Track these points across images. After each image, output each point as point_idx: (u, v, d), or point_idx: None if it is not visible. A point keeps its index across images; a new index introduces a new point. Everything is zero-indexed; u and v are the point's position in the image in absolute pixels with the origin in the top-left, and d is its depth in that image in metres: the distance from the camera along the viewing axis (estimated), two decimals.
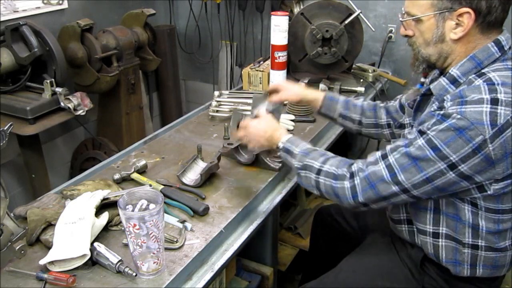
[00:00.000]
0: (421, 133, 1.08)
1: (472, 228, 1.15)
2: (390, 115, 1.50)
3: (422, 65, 1.21)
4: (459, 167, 1.03)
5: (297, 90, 1.54)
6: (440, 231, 1.20)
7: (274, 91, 1.52)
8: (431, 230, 1.22)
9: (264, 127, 1.35)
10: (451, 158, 1.02)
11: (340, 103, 1.53)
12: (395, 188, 1.10)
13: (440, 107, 1.08)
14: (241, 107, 1.94)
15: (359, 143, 2.80)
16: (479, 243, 1.16)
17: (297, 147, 1.28)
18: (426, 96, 1.23)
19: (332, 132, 1.90)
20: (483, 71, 1.09)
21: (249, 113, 1.50)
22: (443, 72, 1.20)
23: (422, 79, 1.34)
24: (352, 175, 1.16)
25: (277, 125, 1.37)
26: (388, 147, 1.14)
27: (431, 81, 1.24)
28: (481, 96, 1.02)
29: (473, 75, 1.09)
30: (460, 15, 1.07)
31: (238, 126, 1.43)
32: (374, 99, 2.37)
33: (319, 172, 1.21)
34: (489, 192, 1.08)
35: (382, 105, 1.54)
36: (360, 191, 1.14)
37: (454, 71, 1.12)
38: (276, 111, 1.47)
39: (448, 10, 1.09)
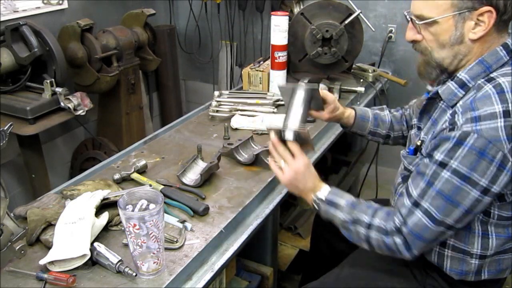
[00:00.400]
0: (442, 164, 1.04)
1: (481, 237, 1.14)
2: (408, 124, 1.51)
3: (435, 71, 1.16)
4: (492, 190, 1.02)
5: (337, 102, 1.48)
6: (448, 242, 1.19)
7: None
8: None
9: (313, 180, 1.25)
10: (481, 183, 1.01)
11: (371, 121, 1.52)
12: (440, 229, 1.08)
13: (452, 124, 1.05)
14: (241, 106, 1.94)
15: (359, 143, 2.80)
16: (488, 253, 1.16)
17: (342, 198, 1.23)
18: (432, 99, 1.21)
19: (332, 132, 1.90)
20: (491, 75, 1.07)
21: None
22: (450, 75, 1.17)
23: (429, 87, 1.30)
24: (398, 230, 1.12)
25: (315, 173, 1.27)
26: (414, 193, 1.10)
27: (438, 84, 1.21)
28: (494, 109, 1.00)
29: (482, 80, 1.07)
30: (481, 14, 1.04)
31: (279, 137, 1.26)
32: (374, 99, 2.38)
33: (369, 226, 1.16)
34: (508, 201, 1.08)
35: (406, 112, 1.53)
36: (411, 245, 1.11)
37: (462, 75, 1.10)
38: (314, 102, 1.35)
39: (469, 9, 1.05)
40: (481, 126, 0.99)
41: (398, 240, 1.12)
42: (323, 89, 2.05)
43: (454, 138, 1.01)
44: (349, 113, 1.53)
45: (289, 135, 1.23)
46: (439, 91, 1.14)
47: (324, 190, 1.25)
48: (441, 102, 1.17)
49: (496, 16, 1.04)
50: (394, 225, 1.13)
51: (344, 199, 1.23)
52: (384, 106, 1.60)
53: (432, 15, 1.09)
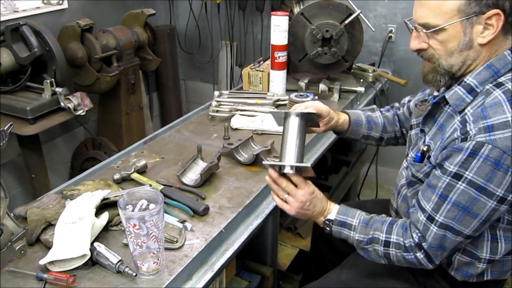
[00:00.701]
0: (457, 176, 1.03)
1: (491, 241, 1.14)
2: (402, 124, 1.50)
3: (444, 78, 1.13)
4: (508, 198, 1.01)
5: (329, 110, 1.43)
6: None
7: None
8: None
9: (320, 205, 1.23)
10: (498, 193, 1.00)
11: (364, 125, 1.50)
12: (459, 239, 1.08)
13: (464, 134, 1.03)
14: (241, 106, 1.94)
15: (359, 144, 2.80)
16: (496, 258, 1.16)
17: (353, 218, 1.21)
18: (437, 104, 1.19)
19: (332, 132, 1.89)
20: (500, 80, 1.06)
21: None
22: (457, 80, 1.15)
23: (436, 93, 1.28)
24: (419, 246, 1.12)
25: (323, 198, 1.24)
26: (428, 208, 1.09)
27: (446, 90, 1.18)
28: (506, 117, 0.99)
29: (490, 85, 1.06)
30: (489, 17, 1.02)
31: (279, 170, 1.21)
32: (374, 99, 2.38)
33: (387, 244, 1.16)
34: None
35: (399, 111, 1.52)
36: (434, 257, 1.12)
37: (470, 80, 1.09)
38: (310, 121, 1.31)
39: (476, 14, 1.03)
40: (495, 136, 0.98)
41: (420, 255, 1.13)
42: (323, 90, 2.06)
43: (468, 150, 1.00)
44: (343, 119, 1.48)
45: (288, 170, 1.19)
46: (446, 96, 1.12)
47: (333, 212, 1.23)
48: (447, 106, 1.15)
49: (504, 19, 1.02)
50: (413, 240, 1.13)
51: (356, 218, 1.21)
52: (375, 107, 1.58)
53: (439, 23, 1.06)
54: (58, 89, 2.08)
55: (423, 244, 1.11)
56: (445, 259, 1.20)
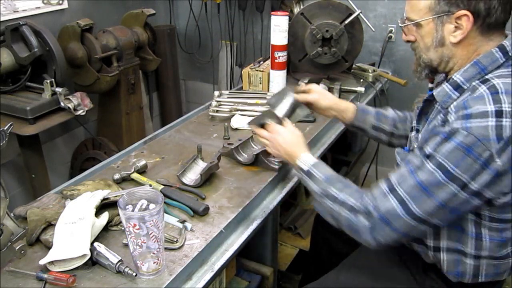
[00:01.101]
0: (429, 157, 1.04)
1: (475, 239, 1.14)
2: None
3: (425, 71, 1.19)
4: (469, 185, 1.01)
5: (330, 96, 1.52)
6: (441, 245, 1.19)
7: (306, 92, 1.50)
8: (431, 245, 1.20)
9: (290, 140, 1.32)
10: (462, 178, 1.00)
11: (372, 114, 1.51)
12: (412, 222, 1.07)
13: (444, 121, 1.06)
14: (241, 106, 1.94)
15: (359, 143, 2.80)
16: (482, 254, 1.15)
17: (321, 173, 1.24)
18: (429, 101, 1.21)
19: (332, 132, 1.90)
20: (486, 77, 1.06)
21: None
22: (447, 76, 1.18)
23: (430, 85, 1.31)
24: (368, 213, 1.12)
25: (302, 142, 1.33)
26: (394, 178, 1.10)
27: (437, 85, 1.21)
28: (486, 108, 0.99)
29: (477, 81, 1.07)
30: (459, 18, 1.06)
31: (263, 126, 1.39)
32: (374, 99, 2.38)
33: (339, 202, 1.18)
34: (496, 205, 1.07)
35: (408, 113, 1.53)
36: (378, 231, 1.11)
37: (457, 77, 1.10)
38: (300, 109, 1.44)
39: (446, 13, 1.07)
40: (471, 123, 0.99)
41: (364, 221, 1.12)
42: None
43: (444, 134, 1.02)
44: (347, 105, 1.51)
45: (279, 112, 1.37)
46: (434, 94, 1.14)
47: (308, 162, 1.28)
48: (437, 103, 1.16)
49: (474, 20, 1.05)
50: (365, 206, 1.13)
51: (322, 173, 1.24)
52: (388, 107, 1.58)
53: (416, 18, 1.14)
54: (58, 89, 2.08)
55: (375, 213, 1.10)
56: (434, 260, 1.20)
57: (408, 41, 1.21)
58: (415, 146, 1.22)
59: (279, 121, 1.36)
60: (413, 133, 1.32)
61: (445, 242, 1.17)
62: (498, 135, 0.97)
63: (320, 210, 1.25)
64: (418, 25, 1.14)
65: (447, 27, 1.09)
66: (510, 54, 1.07)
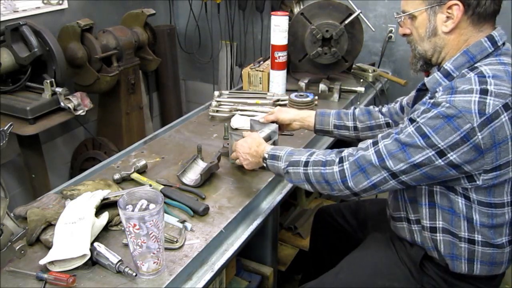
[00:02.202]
0: (411, 121, 1.10)
1: (467, 221, 1.16)
2: (390, 116, 1.51)
3: (420, 62, 1.24)
4: (448, 155, 1.04)
5: (290, 110, 1.62)
6: (437, 225, 1.21)
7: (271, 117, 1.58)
8: (428, 225, 1.22)
9: (249, 144, 1.39)
10: (439, 145, 1.04)
11: (332, 115, 1.58)
12: (383, 172, 1.13)
13: (431, 98, 1.10)
14: (241, 106, 1.94)
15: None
16: (476, 238, 1.17)
17: (282, 151, 1.32)
18: (422, 91, 1.25)
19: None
20: (476, 65, 1.11)
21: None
22: (439, 68, 1.21)
23: (426, 79, 1.35)
24: (341, 160, 1.19)
25: (261, 140, 1.41)
26: (380, 135, 1.17)
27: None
28: (471, 86, 1.04)
29: (466, 69, 1.11)
30: (450, 7, 1.11)
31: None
32: (374, 99, 2.38)
33: (306, 164, 1.24)
34: (478, 183, 1.09)
35: (377, 108, 1.56)
36: (349, 175, 1.16)
37: (448, 65, 1.14)
38: (272, 134, 1.52)
39: (438, 3, 1.12)
40: (455, 97, 1.04)
41: (336, 168, 1.18)
42: (323, 90, 2.06)
43: (429, 104, 1.07)
44: (309, 113, 1.60)
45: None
46: (425, 81, 1.19)
47: (267, 149, 1.35)
48: (429, 92, 1.19)
49: (464, 10, 1.09)
50: (338, 155, 1.20)
51: (284, 150, 1.32)
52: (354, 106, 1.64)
53: (410, 9, 1.19)
54: (58, 89, 2.08)
55: (349, 158, 1.17)
56: (431, 242, 1.22)
57: (404, 35, 1.25)
58: None
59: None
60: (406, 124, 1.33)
61: (440, 223, 1.20)
62: (480, 110, 1.01)
63: (294, 180, 1.28)
64: (412, 17, 1.18)
65: (439, 17, 1.14)
66: (498, 44, 1.12)
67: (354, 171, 1.16)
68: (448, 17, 1.12)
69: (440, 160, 1.05)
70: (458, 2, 1.09)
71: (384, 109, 1.54)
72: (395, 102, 1.54)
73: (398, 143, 1.10)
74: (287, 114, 1.58)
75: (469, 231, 1.17)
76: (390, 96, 2.53)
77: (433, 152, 1.05)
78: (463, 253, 1.19)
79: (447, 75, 1.14)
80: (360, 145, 1.21)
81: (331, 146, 1.85)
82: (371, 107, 1.58)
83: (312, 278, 1.45)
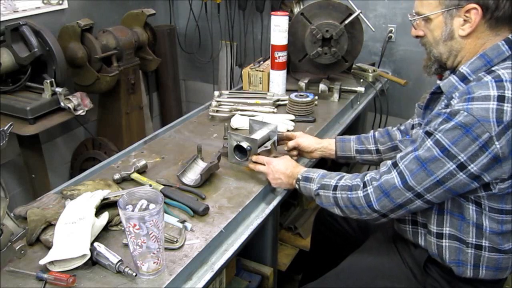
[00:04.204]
0: (429, 134, 1.08)
1: (476, 228, 1.15)
2: (407, 132, 1.50)
3: (434, 65, 1.22)
4: (468, 167, 1.03)
5: (310, 137, 1.61)
6: (444, 232, 1.20)
7: (288, 138, 1.60)
8: (435, 230, 1.22)
9: (286, 165, 1.41)
10: (459, 157, 1.03)
11: (353, 140, 1.58)
12: (408, 194, 1.12)
13: (447, 105, 1.09)
14: (241, 106, 1.94)
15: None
16: (483, 244, 1.16)
17: (315, 173, 1.34)
18: (436, 94, 1.23)
19: (332, 132, 1.90)
20: (492, 68, 1.09)
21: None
22: (453, 71, 1.20)
23: (438, 81, 1.32)
24: (365, 184, 1.19)
25: (296, 163, 1.44)
26: (398, 155, 1.16)
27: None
28: (488, 92, 1.02)
29: (483, 73, 1.09)
30: (468, 11, 1.09)
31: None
32: (374, 99, 2.38)
33: (335, 188, 1.25)
34: (493, 191, 1.09)
35: (395, 128, 1.56)
36: (374, 200, 1.17)
37: (464, 68, 1.12)
38: (272, 134, 1.55)
39: (455, 7, 1.10)
40: (472, 105, 1.02)
41: (360, 193, 1.19)
42: (323, 90, 2.06)
43: (445, 114, 1.06)
44: (329, 141, 1.60)
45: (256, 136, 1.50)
46: (440, 85, 1.17)
47: (301, 171, 1.38)
48: (443, 96, 1.18)
49: (482, 13, 1.07)
50: (361, 180, 1.21)
51: (317, 172, 1.33)
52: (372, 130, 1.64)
53: (425, 12, 1.17)
54: (58, 89, 2.08)
55: (374, 182, 1.17)
56: (435, 249, 1.21)
57: (417, 36, 1.23)
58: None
59: (255, 145, 1.46)
60: (416, 129, 1.33)
61: (448, 229, 1.19)
62: (498, 118, 0.99)
63: (325, 204, 1.30)
64: (427, 19, 1.16)
65: (456, 20, 1.12)
66: None
67: (379, 196, 1.16)
68: (465, 21, 1.10)
69: (461, 173, 1.04)
70: (477, 6, 1.07)
71: (402, 127, 1.53)
72: (411, 119, 1.53)
73: (418, 161, 1.09)
74: (309, 142, 1.58)
75: (477, 237, 1.16)
76: (390, 96, 2.54)
77: (454, 166, 1.04)
78: (469, 259, 1.19)
79: (463, 79, 1.12)
80: (381, 167, 1.21)
81: None
82: (389, 127, 1.58)
83: (313, 278, 1.45)
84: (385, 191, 1.15)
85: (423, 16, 1.17)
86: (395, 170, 1.14)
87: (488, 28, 1.10)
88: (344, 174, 1.30)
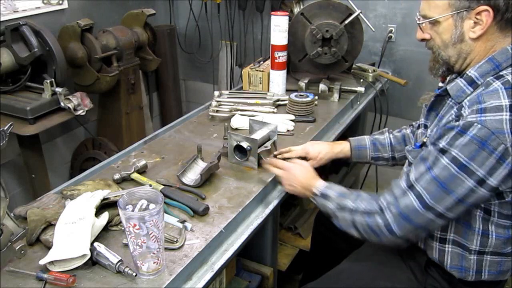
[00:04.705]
0: (443, 151, 1.05)
1: (481, 235, 1.15)
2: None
3: (442, 68, 1.20)
4: (488, 181, 1.02)
5: (318, 144, 1.59)
6: (448, 237, 1.20)
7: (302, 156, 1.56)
8: (438, 235, 1.21)
9: (304, 174, 1.39)
10: (478, 173, 1.01)
11: (369, 148, 1.57)
12: (429, 215, 1.09)
13: (458, 116, 1.06)
14: (241, 106, 1.94)
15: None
16: (486, 250, 1.16)
17: (333, 191, 1.31)
18: (441, 96, 1.22)
19: (332, 132, 1.90)
20: (501, 73, 1.08)
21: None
22: (459, 74, 1.19)
23: (440, 84, 1.31)
24: (381, 210, 1.16)
25: (315, 173, 1.41)
26: (412, 176, 1.12)
27: (448, 83, 1.22)
28: (500, 102, 1.01)
29: (491, 77, 1.08)
30: (478, 13, 1.07)
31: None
32: (374, 99, 2.38)
33: (352, 210, 1.22)
34: (507, 199, 1.08)
35: (408, 130, 1.54)
36: (395, 226, 1.14)
37: (472, 72, 1.11)
38: (271, 134, 1.55)
39: (466, 9, 1.08)
40: (485, 117, 1.00)
41: (380, 220, 1.16)
42: (323, 90, 2.05)
43: (458, 127, 1.03)
44: (341, 149, 1.58)
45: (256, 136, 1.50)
46: (448, 88, 1.15)
47: (320, 186, 1.33)
48: (449, 99, 1.17)
49: (493, 15, 1.05)
50: (378, 205, 1.17)
51: (335, 190, 1.30)
52: (385, 129, 1.61)
53: (433, 15, 1.13)
54: (58, 89, 2.08)
55: (392, 208, 1.14)
56: (437, 255, 1.20)
57: (422, 40, 1.21)
58: (424, 140, 1.23)
59: (255, 145, 1.46)
60: (420, 130, 1.32)
61: (452, 235, 1.19)
62: None
63: (342, 225, 1.27)
64: (435, 22, 1.13)
65: (467, 23, 1.09)
66: None
67: (400, 222, 1.13)
68: (475, 23, 1.08)
69: (481, 188, 1.03)
70: (488, 8, 1.05)
71: (413, 130, 1.52)
72: (413, 124, 1.53)
73: (436, 182, 1.06)
74: (318, 147, 1.56)
75: (482, 244, 1.16)
76: (390, 96, 2.54)
77: (473, 182, 1.02)
78: (472, 265, 1.18)
79: (471, 83, 1.11)
80: (394, 188, 1.16)
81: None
82: (404, 129, 1.55)
83: (313, 278, 1.45)
84: (405, 216, 1.12)
85: (432, 19, 1.13)
86: (412, 193, 1.11)
87: (498, 29, 1.08)
88: (361, 193, 1.26)
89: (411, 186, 1.12)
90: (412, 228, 1.13)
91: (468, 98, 1.09)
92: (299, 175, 1.39)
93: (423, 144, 1.23)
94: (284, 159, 1.52)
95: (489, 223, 1.13)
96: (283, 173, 1.42)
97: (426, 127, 1.28)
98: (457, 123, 1.05)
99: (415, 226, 1.12)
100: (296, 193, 1.40)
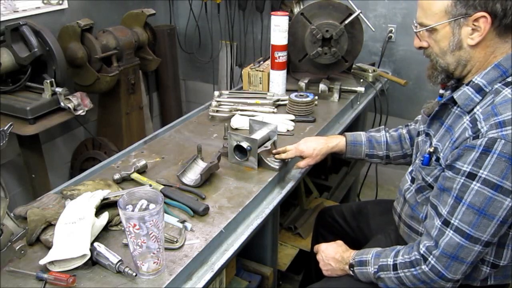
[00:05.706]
0: (471, 176, 1.02)
1: (497, 246, 1.12)
2: (413, 140, 1.47)
3: (441, 75, 1.17)
4: None
5: (310, 140, 1.54)
6: None
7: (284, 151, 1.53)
8: None
9: (334, 248, 1.36)
10: None
11: (364, 144, 1.54)
12: (476, 247, 1.05)
13: (475, 132, 1.03)
14: (241, 106, 1.94)
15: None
16: (501, 263, 1.14)
17: (368, 254, 1.25)
18: (445, 105, 1.20)
19: (332, 132, 1.90)
20: (508, 79, 1.06)
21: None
22: (460, 80, 1.17)
23: (441, 91, 1.29)
24: (424, 257, 1.11)
25: (346, 246, 1.37)
26: (443, 211, 1.08)
27: (453, 90, 1.21)
28: None
29: (499, 84, 1.07)
30: (476, 20, 1.05)
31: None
32: (374, 99, 2.38)
33: (395, 267, 1.17)
34: None
35: (404, 131, 1.52)
36: (443, 269, 1.08)
37: (478, 79, 1.09)
38: (271, 134, 1.54)
39: (463, 16, 1.06)
40: (507, 131, 0.98)
41: (425, 267, 1.10)
42: (323, 90, 2.05)
43: (481, 147, 1.00)
44: (337, 143, 1.55)
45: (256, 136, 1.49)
46: (455, 97, 1.13)
47: (352, 255, 1.30)
48: (455, 108, 1.15)
49: (491, 21, 1.04)
50: (419, 253, 1.12)
51: (370, 253, 1.24)
52: (382, 127, 1.60)
53: (430, 23, 1.11)
54: (58, 89, 2.08)
55: (435, 251, 1.08)
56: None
57: (420, 48, 1.18)
58: (431, 150, 1.19)
59: (255, 145, 1.46)
60: (421, 137, 1.30)
61: None
62: None
63: (389, 286, 1.21)
64: (432, 30, 1.11)
65: (464, 30, 1.07)
66: None
67: (447, 263, 1.07)
68: (473, 30, 1.06)
69: None
70: (486, 14, 1.03)
71: (411, 126, 1.50)
72: (414, 121, 1.51)
73: (474, 210, 1.02)
74: (313, 146, 1.50)
75: (496, 256, 1.14)
76: (390, 96, 2.54)
77: (510, 200, 0.99)
78: (482, 276, 1.17)
79: (479, 90, 1.09)
80: (430, 230, 1.11)
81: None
82: (401, 131, 1.53)
83: (313, 279, 1.45)
84: (451, 256, 1.06)
85: (428, 27, 1.11)
86: (449, 229, 1.06)
87: (497, 35, 1.07)
88: (398, 248, 1.20)
89: (446, 222, 1.07)
90: (463, 267, 1.07)
91: (480, 109, 1.07)
92: (330, 252, 1.35)
93: (431, 156, 1.19)
94: (283, 160, 1.51)
95: (507, 237, 1.11)
96: (318, 255, 1.39)
97: (427, 135, 1.26)
98: (477, 141, 1.01)
99: (465, 263, 1.07)
100: (333, 272, 1.35)
